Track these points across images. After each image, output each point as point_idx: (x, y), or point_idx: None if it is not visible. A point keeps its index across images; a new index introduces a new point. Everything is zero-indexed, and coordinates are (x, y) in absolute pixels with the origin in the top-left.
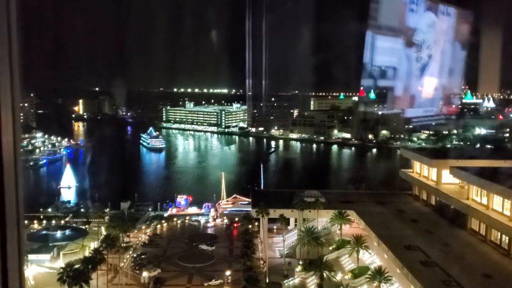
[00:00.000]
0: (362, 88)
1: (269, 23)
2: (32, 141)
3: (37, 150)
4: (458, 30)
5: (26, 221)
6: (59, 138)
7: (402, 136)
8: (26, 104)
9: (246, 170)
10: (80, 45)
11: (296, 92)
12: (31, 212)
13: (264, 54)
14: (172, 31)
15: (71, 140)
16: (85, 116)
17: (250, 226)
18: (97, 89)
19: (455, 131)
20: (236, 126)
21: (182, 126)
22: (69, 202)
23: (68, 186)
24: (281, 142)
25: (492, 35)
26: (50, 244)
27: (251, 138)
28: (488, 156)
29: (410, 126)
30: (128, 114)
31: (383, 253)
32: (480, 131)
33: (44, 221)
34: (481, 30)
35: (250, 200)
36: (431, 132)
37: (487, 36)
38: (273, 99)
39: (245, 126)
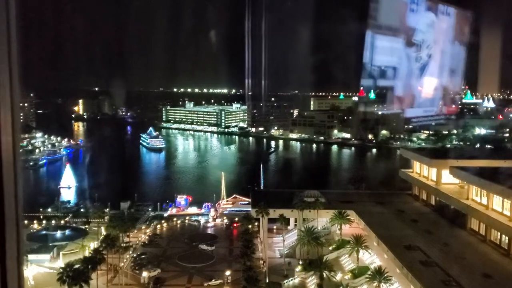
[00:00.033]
0: (362, 88)
1: (269, 23)
2: (32, 141)
3: (37, 150)
4: (458, 30)
5: (26, 221)
6: (59, 138)
7: (402, 136)
8: (26, 104)
9: (246, 170)
10: (80, 45)
11: (296, 92)
12: (31, 212)
13: (264, 54)
14: (172, 31)
15: (71, 140)
16: (85, 116)
17: (250, 226)
18: (97, 89)
19: (455, 131)
20: (236, 126)
21: (182, 126)
22: (69, 202)
23: (68, 186)
24: (281, 142)
25: (492, 35)
26: (50, 244)
27: (251, 138)
28: (488, 156)
29: (410, 126)
30: (128, 114)
31: (383, 253)
32: (480, 131)
33: (44, 221)
34: (481, 30)
35: (250, 200)
36: (431, 132)
37: (487, 36)
38: (273, 99)
39: (245, 126)
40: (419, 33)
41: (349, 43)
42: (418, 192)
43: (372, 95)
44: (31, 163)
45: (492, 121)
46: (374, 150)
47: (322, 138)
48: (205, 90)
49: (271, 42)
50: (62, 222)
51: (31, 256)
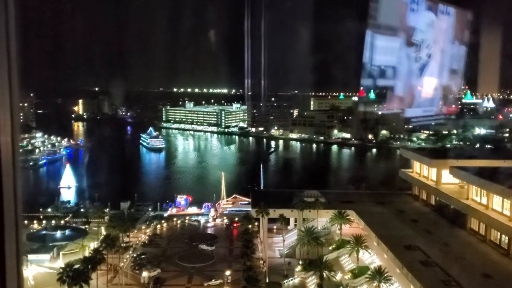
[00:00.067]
0: (362, 88)
1: (269, 22)
2: (32, 141)
3: (37, 150)
4: (457, 29)
5: (26, 221)
6: (58, 138)
7: (401, 136)
8: (25, 104)
9: (246, 170)
10: (79, 45)
11: (296, 92)
12: (31, 212)
13: (264, 54)
14: (172, 31)
15: (71, 140)
16: (84, 116)
17: (250, 226)
18: (96, 89)
19: (454, 131)
20: (236, 126)
21: (182, 126)
22: (69, 202)
23: (68, 186)
24: (281, 142)
25: (492, 35)
26: (50, 244)
27: (251, 138)
28: (487, 156)
29: (410, 126)
30: (128, 114)
31: (383, 253)
32: (480, 131)
33: (44, 221)
34: (481, 30)
35: (250, 200)
36: (430, 132)
37: (486, 36)
38: (273, 99)
39: (245, 126)
40: (418, 32)
41: (349, 43)
42: (418, 192)
43: (372, 95)
44: (31, 163)
45: (492, 121)
46: (374, 150)
47: (322, 138)
48: (205, 90)
49: (271, 42)
50: (62, 222)
51: (31, 256)
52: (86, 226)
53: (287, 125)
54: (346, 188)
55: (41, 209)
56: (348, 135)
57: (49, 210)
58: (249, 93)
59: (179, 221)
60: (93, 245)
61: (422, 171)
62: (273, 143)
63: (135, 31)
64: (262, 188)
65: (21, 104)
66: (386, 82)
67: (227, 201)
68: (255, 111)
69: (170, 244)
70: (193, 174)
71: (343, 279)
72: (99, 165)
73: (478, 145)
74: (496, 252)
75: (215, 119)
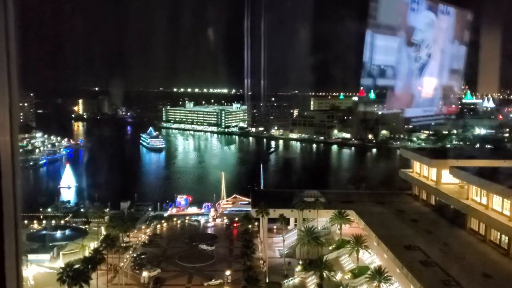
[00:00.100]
0: (362, 88)
1: (268, 22)
2: (32, 141)
3: (37, 150)
4: (457, 29)
5: (26, 221)
6: (58, 138)
7: (401, 136)
8: (25, 104)
9: (246, 170)
10: (79, 45)
11: (296, 92)
12: (31, 212)
13: (264, 54)
14: (172, 31)
15: (71, 140)
16: (84, 116)
17: (250, 226)
18: (96, 89)
19: (454, 131)
20: (236, 126)
21: (182, 126)
22: (69, 202)
23: (68, 186)
24: (281, 142)
25: (492, 35)
26: (50, 244)
27: (251, 138)
28: (487, 156)
29: (410, 126)
30: (128, 114)
31: (383, 253)
32: (480, 131)
33: (44, 221)
34: (481, 29)
35: (250, 200)
36: (430, 132)
37: (486, 36)
38: (273, 99)
39: (245, 126)
40: (418, 32)
41: (348, 43)
42: (418, 192)
43: (372, 95)
44: (31, 163)
45: (492, 121)
46: (374, 150)
47: (322, 138)
48: (205, 90)
49: (271, 42)
50: (62, 222)
51: (31, 256)
52: (86, 226)
53: (287, 125)
54: (346, 188)
55: (41, 209)
56: (348, 135)
57: (49, 210)
58: (249, 93)
59: (179, 221)
60: (93, 245)
61: (422, 171)
62: (273, 143)
63: (135, 31)
64: (262, 188)
65: (21, 104)
66: (386, 82)
67: (227, 201)
68: (255, 111)
69: (170, 244)
70: (193, 174)
71: (343, 279)
72: (99, 165)
73: (478, 145)
74: (496, 252)
75: (215, 119)
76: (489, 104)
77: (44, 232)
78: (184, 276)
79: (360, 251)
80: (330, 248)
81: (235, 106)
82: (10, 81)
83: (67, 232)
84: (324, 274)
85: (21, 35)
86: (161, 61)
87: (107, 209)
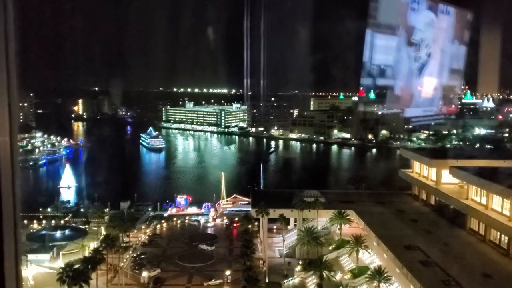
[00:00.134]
0: (361, 88)
1: (268, 22)
2: (32, 141)
3: (37, 150)
4: (457, 29)
5: (25, 221)
6: (58, 138)
7: (401, 136)
8: (25, 104)
9: (246, 170)
10: (79, 45)
11: (296, 92)
12: (30, 212)
13: (264, 54)
14: (172, 31)
15: (71, 140)
16: (84, 116)
17: (250, 226)
18: (96, 88)
19: (454, 131)
20: (236, 126)
21: (182, 126)
22: (68, 202)
23: (68, 186)
24: (281, 142)
25: (492, 34)
26: (50, 244)
27: (251, 138)
28: (487, 156)
29: (410, 126)
30: (128, 114)
31: (382, 253)
32: (480, 131)
33: (44, 221)
34: (480, 29)
35: (250, 200)
36: (430, 132)
37: (486, 36)
38: (273, 99)
39: (245, 126)
40: (418, 32)
41: (348, 43)
42: (418, 192)
43: (372, 95)
44: (30, 163)
45: (491, 121)
46: (374, 150)
47: (322, 138)
48: (205, 90)
49: (271, 42)
50: (62, 222)
51: (31, 256)
52: (86, 226)
53: (287, 125)
54: (346, 188)
55: (41, 209)
56: (348, 135)
57: (49, 210)
58: (249, 93)
59: (179, 221)
60: (93, 245)
61: (422, 171)
62: (273, 143)
63: (135, 31)
64: (262, 188)
65: (21, 104)
66: (386, 81)
67: (227, 201)
68: (255, 111)
69: (170, 244)
70: (193, 174)
71: (343, 279)
72: (99, 165)
73: (478, 145)
74: (496, 252)
75: (215, 119)
76: (489, 104)
77: (44, 232)
78: (184, 276)
79: (360, 251)
80: (330, 248)
81: (235, 106)
82: (9, 81)
83: (67, 232)
84: (324, 274)
85: (21, 35)
86: (161, 61)
87: (107, 209)
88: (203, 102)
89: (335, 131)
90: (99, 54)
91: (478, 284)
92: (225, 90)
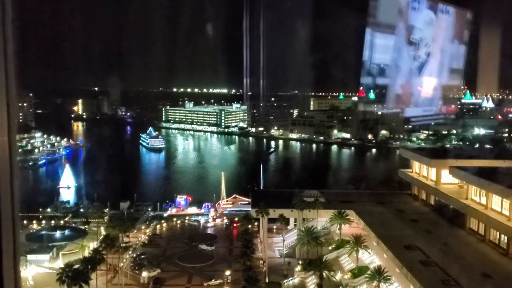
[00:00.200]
0: (361, 88)
1: (268, 22)
2: (31, 141)
3: (36, 150)
4: (457, 29)
5: (25, 221)
6: (58, 138)
7: (401, 136)
8: (25, 104)
9: (246, 170)
10: (79, 45)
11: (296, 92)
12: (30, 212)
13: (263, 54)
14: (171, 31)
15: (70, 140)
16: (84, 116)
17: (249, 226)
18: (96, 89)
19: (454, 131)
20: (236, 126)
21: (182, 126)
22: (68, 202)
23: (67, 186)
24: (280, 142)
25: (491, 34)
26: (50, 244)
27: (251, 138)
28: (487, 156)
29: (409, 126)
30: (128, 114)
31: (382, 253)
32: (479, 131)
33: (43, 221)
34: (480, 29)
35: (250, 200)
36: (430, 132)
37: (486, 36)
38: (272, 99)
39: (245, 126)
40: (417, 31)
41: (348, 43)
42: (417, 192)
43: (371, 95)
44: (30, 163)
45: (491, 121)
46: (373, 150)
47: (321, 138)
48: (204, 90)
49: (270, 41)
50: (62, 222)
51: (30, 256)
52: (86, 226)
53: (287, 125)
54: (346, 188)
55: (40, 209)
56: (348, 135)
57: (49, 210)
58: (249, 93)
59: (179, 221)
60: (93, 245)
61: (421, 171)
62: (273, 143)
63: (134, 31)
64: (262, 188)
65: (20, 104)
66: (385, 81)
67: (227, 201)
68: (255, 111)
69: (170, 244)
70: (193, 174)
71: (342, 279)
72: (98, 165)
73: (477, 145)
74: (495, 252)
75: (215, 119)
76: (488, 104)
77: (43, 232)
78: (184, 276)
79: (359, 251)
80: (330, 248)
81: (235, 106)
82: (8, 81)
83: (67, 232)
84: (324, 274)
85: (20, 35)
86: (160, 61)
87: (107, 209)
88: (203, 102)
89: (335, 131)
90: (98, 54)
91: (478, 284)
92: (225, 90)
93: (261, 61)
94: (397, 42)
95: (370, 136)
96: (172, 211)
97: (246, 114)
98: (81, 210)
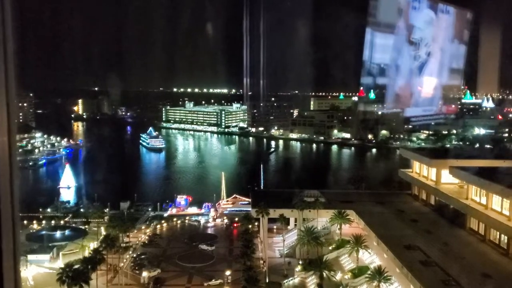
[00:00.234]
0: (361, 88)
1: (268, 22)
2: (31, 141)
3: (36, 150)
4: (457, 29)
5: (25, 222)
6: (58, 138)
7: (401, 136)
8: (25, 104)
9: (246, 170)
10: (79, 45)
11: (296, 92)
12: (30, 212)
13: (264, 54)
14: (172, 31)
15: (71, 140)
16: (84, 116)
17: (250, 226)
18: (96, 88)
19: (454, 131)
20: (236, 126)
21: (182, 126)
22: (68, 202)
23: (68, 186)
24: (281, 142)
25: (492, 34)
26: (50, 244)
27: (251, 138)
28: (487, 156)
29: (410, 126)
30: (128, 114)
31: (382, 253)
32: (480, 131)
33: (44, 221)
34: (480, 29)
35: (250, 200)
36: (430, 132)
37: (486, 35)
38: (273, 99)
39: (245, 126)
40: (417, 31)
41: (348, 43)
42: (417, 192)
43: (372, 95)
44: (30, 163)
45: (491, 121)
46: (374, 150)
47: (322, 138)
48: (205, 90)
49: (270, 41)
50: (62, 222)
51: (30, 256)
52: (86, 226)
53: (287, 125)
54: (346, 188)
55: (40, 209)
56: (348, 135)
57: (49, 210)
58: (249, 93)
59: (179, 221)
60: (93, 245)
61: (421, 171)
62: (273, 143)
63: (134, 31)
64: (262, 188)
65: (20, 104)
66: (385, 81)
67: (227, 201)
68: (255, 111)
69: (170, 244)
70: (193, 174)
71: (343, 279)
72: (98, 165)
73: (477, 145)
74: (496, 252)
75: (215, 119)
76: (488, 104)
77: (43, 232)
78: (184, 276)
79: (360, 251)
80: (330, 248)
81: (235, 106)
82: (8, 81)
83: (67, 232)
84: (324, 274)
85: (21, 35)
86: (161, 61)
87: (107, 209)
88: (203, 102)
89: (335, 131)
90: (98, 54)
91: (478, 284)
92: (225, 90)
93: (261, 61)
94: (397, 42)
95: (370, 136)
96: (172, 211)
97: (246, 114)
98: (81, 210)
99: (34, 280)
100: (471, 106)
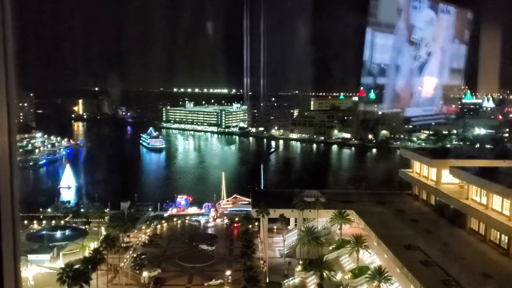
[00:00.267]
0: (362, 88)
1: (268, 22)
2: (32, 141)
3: (37, 150)
4: (457, 29)
5: (25, 222)
6: (58, 138)
7: (402, 136)
8: (25, 104)
9: (246, 170)
10: (79, 45)
11: (296, 92)
12: (30, 212)
13: (264, 54)
14: (172, 31)
15: (71, 140)
16: (84, 116)
17: (250, 226)
18: (96, 89)
19: (454, 131)
20: (236, 126)
21: (182, 126)
22: (68, 202)
23: (68, 186)
24: (281, 142)
25: (492, 34)
26: (50, 244)
27: (251, 138)
28: (487, 156)
29: (410, 126)
30: (128, 114)
31: (383, 253)
32: (480, 131)
33: (44, 221)
34: (481, 29)
35: (250, 200)
36: (430, 132)
37: (487, 35)
38: (273, 99)
39: (245, 126)
40: (417, 30)
41: (349, 43)
42: (418, 192)
43: (372, 95)
44: (31, 163)
45: (492, 121)
46: (374, 150)
47: (322, 138)
48: (205, 90)
49: (271, 41)
50: (62, 222)
51: (31, 256)
52: (86, 226)
53: (287, 125)
54: (346, 188)
55: (41, 209)
56: (348, 135)
57: (49, 210)
58: (249, 93)
59: (179, 221)
60: (93, 245)
61: (422, 171)
62: (273, 143)
63: (134, 31)
64: (262, 188)
65: (20, 104)
66: (386, 80)
67: (228, 201)
68: (255, 111)
69: (170, 244)
70: (193, 174)
71: (343, 279)
72: (99, 165)
73: (478, 145)
74: (496, 252)
75: (215, 119)
76: (489, 104)
77: (44, 232)
78: (185, 276)
79: (360, 251)
80: (330, 248)
81: (235, 106)
82: (8, 81)
83: (67, 232)
84: (324, 274)
85: (20, 35)
86: (161, 61)
87: (107, 209)
88: (203, 102)
89: (335, 131)
90: (98, 54)
91: (478, 284)
92: (225, 90)
93: (261, 61)
94: (397, 42)
95: (370, 136)
96: (173, 211)
97: (246, 114)
98: (82, 210)
99: (34, 280)
100: (472, 106)
